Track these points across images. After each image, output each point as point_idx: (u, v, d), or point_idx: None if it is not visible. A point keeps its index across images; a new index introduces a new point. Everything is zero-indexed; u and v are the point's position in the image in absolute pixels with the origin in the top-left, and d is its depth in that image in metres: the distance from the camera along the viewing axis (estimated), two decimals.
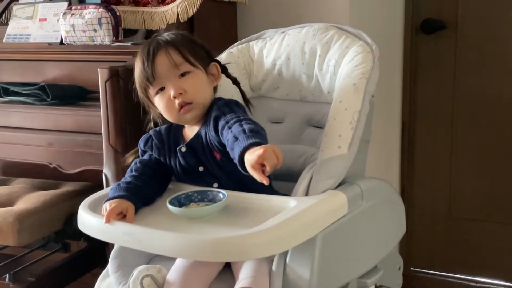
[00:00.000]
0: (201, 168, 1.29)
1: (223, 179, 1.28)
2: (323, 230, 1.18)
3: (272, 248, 1.09)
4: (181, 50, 1.27)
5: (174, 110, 1.27)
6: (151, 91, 1.29)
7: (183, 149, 1.30)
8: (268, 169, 1.05)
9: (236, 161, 1.11)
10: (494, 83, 2.27)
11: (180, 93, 1.26)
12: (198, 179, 1.29)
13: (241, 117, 1.19)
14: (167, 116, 1.31)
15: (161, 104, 1.29)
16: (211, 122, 1.25)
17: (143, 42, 1.79)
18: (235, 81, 1.44)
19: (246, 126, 1.14)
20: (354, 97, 1.30)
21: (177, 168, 1.32)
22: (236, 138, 1.13)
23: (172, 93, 1.26)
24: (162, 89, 1.28)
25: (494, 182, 2.34)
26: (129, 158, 1.39)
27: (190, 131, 1.33)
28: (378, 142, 2.06)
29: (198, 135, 1.30)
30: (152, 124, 1.39)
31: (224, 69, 1.39)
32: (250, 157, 1.07)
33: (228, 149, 1.17)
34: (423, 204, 2.45)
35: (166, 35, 1.31)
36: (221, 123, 1.21)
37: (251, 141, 1.09)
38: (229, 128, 1.18)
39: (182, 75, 1.27)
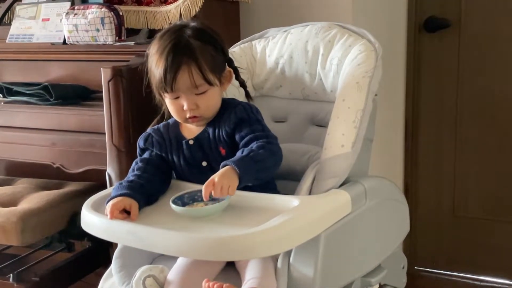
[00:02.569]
0: (204, 163, 1.30)
1: None
2: (326, 229, 1.18)
3: (275, 247, 1.09)
4: (202, 69, 1.25)
5: (183, 117, 1.30)
6: (165, 93, 1.29)
7: (191, 142, 1.31)
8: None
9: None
10: (497, 81, 2.27)
11: (193, 109, 1.27)
12: (199, 175, 1.29)
13: (265, 142, 1.23)
14: (174, 116, 1.33)
15: (171, 108, 1.30)
16: (233, 119, 1.27)
17: (146, 42, 1.80)
18: (243, 84, 1.44)
19: (254, 149, 1.21)
20: (357, 95, 1.30)
21: (180, 162, 1.32)
22: (242, 151, 1.21)
23: (185, 106, 1.27)
24: (175, 97, 1.29)
25: (498, 180, 2.33)
26: None
27: (191, 127, 1.34)
28: (382, 141, 2.05)
29: (206, 129, 1.31)
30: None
31: (235, 71, 1.39)
32: (216, 176, 1.15)
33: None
34: (427, 203, 2.45)
35: (190, 36, 1.27)
36: (248, 134, 1.25)
37: (231, 164, 1.16)
38: (246, 144, 1.24)
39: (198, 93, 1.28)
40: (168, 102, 1.30)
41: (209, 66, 1.27)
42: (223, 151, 1.28)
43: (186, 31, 1.28)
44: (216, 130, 1.29)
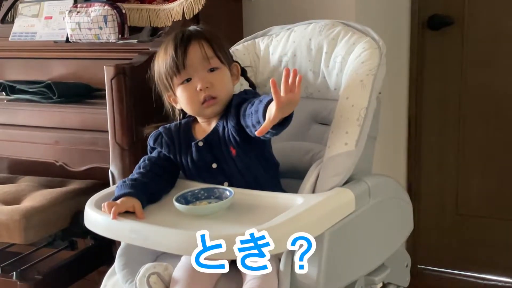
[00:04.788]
0: (214, 165, 1.30)
1: (235, 178, 1.29)
2: (330, 227, 1.17)
3: (279, 246, 1.08)
4: (212, 45, 1.29)
5: (197, 103, 1.29)
6: (176, 80, 1.29)
7: (200, 144, 1.30)
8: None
9: (261, 114, 1.13)
10: (501, 79, 2.26)
11: (207, 87, 1.27)
12: (209, 177, 1.29)
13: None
14: (187, 108, 1.32)
15: (184, 95, 1.29)
16: (233, 110, 1.26)
17: (149, 40, 1.79)
18: (252, 85, 1.46)
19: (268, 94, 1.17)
20: (361, 93, 1.30)
21: (188, 165, 1.32)
22: (261, 101, 1.16)
23: (199, 85, 1.27)
24: (187, 80, 1.28)
25: (502, 178, 2.32)
26: (148, 130, 1.38)
27: (204, 127, 1.34)
28: (385, 139, 2.05)
29: (215, 129, 1.30)
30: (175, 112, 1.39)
31: (243, 72, 1.41)
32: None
33: (252, 116, 1.18)
34: (430, 201, 2.44)
35: (197, 28, 1.32)
36: (244, 106, 1.23)
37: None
38: (253, 104, 1.20)
39: (211, 70, 1.28)
40: (180, 91, 1.29)
41: (218, 46, 1.29)
42: (233, 151, 1.28)
43: (193, 27, 1.32)
44: (226, 128, 1.29)
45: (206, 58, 1.27)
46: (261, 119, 1.14)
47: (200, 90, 1.27)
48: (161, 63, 1.30)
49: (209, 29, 1.33)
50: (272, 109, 1.10)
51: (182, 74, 1.28)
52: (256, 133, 1.13)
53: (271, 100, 1.12)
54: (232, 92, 1.33)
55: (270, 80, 1.09)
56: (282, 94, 1.09)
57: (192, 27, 1.33)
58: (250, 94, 1.30)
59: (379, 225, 1.37)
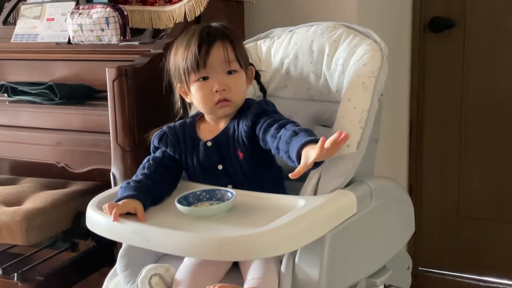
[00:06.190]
0: (220, 167, 1.30)
1: (239, 181, 1.29)
2: (332, 229, 1.17)
3: (280, 248, 1.08)
4: (235, 48, 1.29)
5: (211, 103, 1.29)
6: (193, 77, 1.29)
7: (209, 144, 1.30)
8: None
9: (294, 150, 1.13)
10: (503, 81, 2.26)
11: (224, 89, 1.27)
12: (214, 178, 1.29)
13: (293, 120, 1.24)
14: (200, 106, 1.32)
15: (199, 93, 1.29)
16: (249, 116, 1.27)
17: (150, 42, 1.80)
18: (263, 89, 1.47)
19: (302, 127, 1.19)
20: (363, 95, 1.30)
21: (193, 165, 1.32)
22: (296, 133, 1.15)
23: (216, 87, 1.27)
24: (204, 78, 1.28)
25: (503, 181, 2.32)
26: (151, 135, 1.38)
27: (212, 127, 1.34)
28: (386, 141, 2.05)
29: (225, 130, 1.31)
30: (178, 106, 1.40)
31: (256, 75, 1.41)
32: (314, 150, 1.09)
33: (280, 142, 1.18)
34: (432, 204, 2.44)
35: (221, 26, 1.31)
36: (268, 120, 1.24)
37: (311, 138, 1.13)
38: (282, 126, 1.20)
39: (229, 72, 1.28)
40: (196, 88, 1.29)
41: (240, 49, 1.30)
42: (240, 155, 1.28)
43: (218, 25, 1.31)
44: (236, 131, 1.29)
45: (227, 61, 1.27)
46: (294, 156, 1.13)
47: (216, 91, 1.27)
48: (180, 57, 1.29)
49: (232, 29, 1.32)
50: (311, 157, 1.09)
51: (201, 72, 1.27)
52: (290, 175, 1.11)
53: (308, 142, 1.12)
54: (246, 95, 1.33)
55: (321, 138, 1.08)
56: (325, 146, 1.08)
57: (216, 24, 1.31)
58: (271, 106, 1.31)
59: (380, 227, 1.37)
